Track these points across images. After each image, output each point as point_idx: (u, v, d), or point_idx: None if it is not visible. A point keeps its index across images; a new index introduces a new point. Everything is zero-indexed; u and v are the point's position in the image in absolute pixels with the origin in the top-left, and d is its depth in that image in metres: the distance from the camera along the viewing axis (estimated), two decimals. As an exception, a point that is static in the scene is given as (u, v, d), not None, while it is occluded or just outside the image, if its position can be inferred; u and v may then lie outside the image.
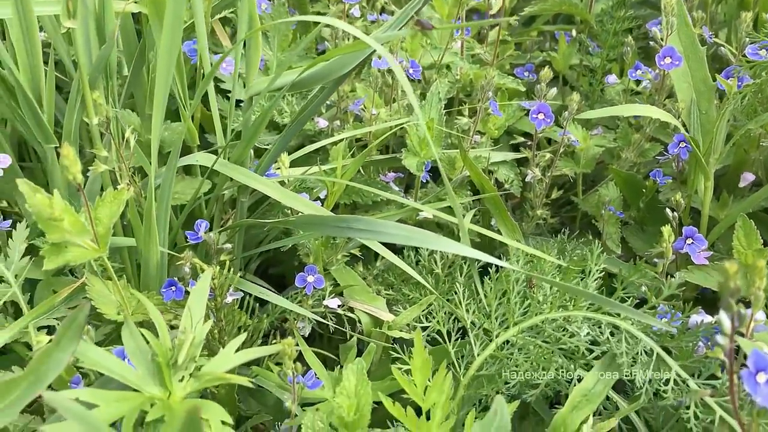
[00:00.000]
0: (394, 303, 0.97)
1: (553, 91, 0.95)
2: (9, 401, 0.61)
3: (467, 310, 0.81)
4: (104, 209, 0.74)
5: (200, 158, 0.84)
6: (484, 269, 0.92)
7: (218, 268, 0.76)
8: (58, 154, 0.89)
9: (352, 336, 0.94)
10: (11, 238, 0.87)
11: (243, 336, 0.69)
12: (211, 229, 0.89)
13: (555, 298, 0.77)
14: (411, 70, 1.00)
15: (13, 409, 0.61)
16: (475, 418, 0.67)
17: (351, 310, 0.95)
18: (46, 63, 0.85)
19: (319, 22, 0.90)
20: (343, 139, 0.99)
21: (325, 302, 0.92)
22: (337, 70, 0.78)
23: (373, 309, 0.95)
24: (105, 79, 0.84)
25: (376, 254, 1.02)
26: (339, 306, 0.93)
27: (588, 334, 0.74)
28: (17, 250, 0.87)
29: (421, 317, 0.92)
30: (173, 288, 0.79)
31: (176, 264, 0.79)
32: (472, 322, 0.80)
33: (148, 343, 0.67)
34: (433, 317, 0.91)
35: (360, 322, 0.94)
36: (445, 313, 0.91)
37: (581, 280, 0.79)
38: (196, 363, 0.67)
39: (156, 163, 0.75)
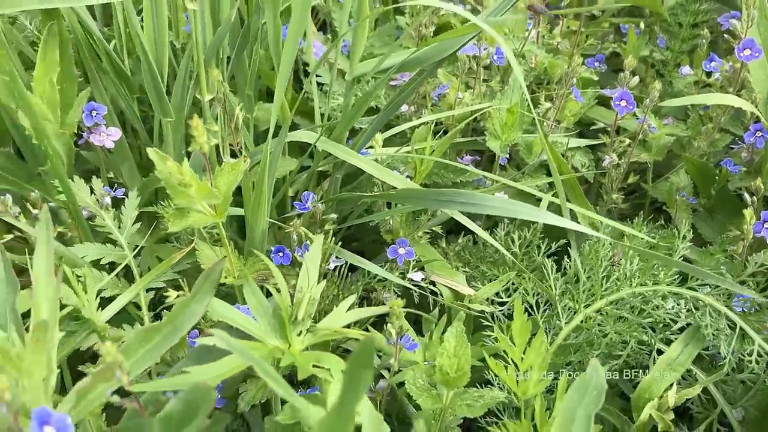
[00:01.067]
0: (471, 279, 1.02)
1: (635, 79, 0.99)
2: (150, 347, 0.67)
3: (552, 285, 0.86)
4: (223, 178, 0.80)
5: (303, 135, 0.90)
6: (559, 252, 0.97)
7: (322, 236, 0.81)
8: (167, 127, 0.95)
9: (433, 308, 0.99)
10: (123, 206, 0.94)
11: (354, 296, 0.75)
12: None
13: (642, 273, 0.81)
14: (495, 57, 1.04)
15: (153, 353, 0.67)
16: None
17: (432, 283, 1.00)
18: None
19: (398, 10, 0.95)
20: (426, 122, 1.04)
21: (409, 275, 0.98)
22: (437, 55, 0.83)
23: (453, 283, 1.00)
24: (216, 60, 0.90)
25: (458, 232, 1.07)
26: (422, 279, 0.98)
27: (673, 307, 0.78)
28: (129, 217, 0.93)
29: (501, 293, 0.97)
30: (281, 254, 0.85)
31: (285, 231, 0.84)
32: (561, 293, 0.85)
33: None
34: (509, 295, 0.96)
35: (441, 295, 0.99)
36: (524, 289, 0.97)
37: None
38: (311, 319, 0.73)
39: (270, 139, 0.81)
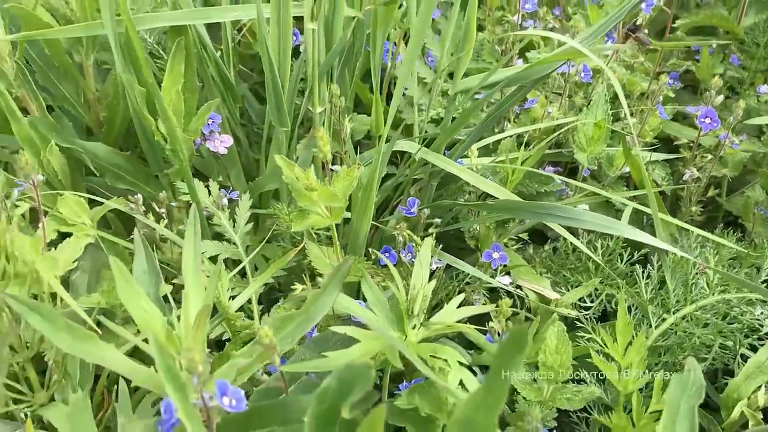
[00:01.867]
0: (554, 285, 1.08)
1: (720, 98, 1.04)
2: (284, 333, 0.74)
3: (642, 291, 0.91)
4: (340, 183, 0.87)
5: (405, 145, 0.97)
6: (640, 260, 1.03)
7: (431, 239, 0.88)
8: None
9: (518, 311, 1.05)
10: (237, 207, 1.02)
11: (462, 295, 0.82)
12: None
13: (727, 282, 0.86)
14: (582, 74, 1.10)
15: (288, 339, 0.74)
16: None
17: (518, 287, 1.06)
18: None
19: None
20: (513, 135, 1.10)
21: (498, 278, 1.04)
22: (538, 73, 0.90)
23: (539, 288, 1.05)
24: (327, 75, 0.98)
25: (543, 240, 1.13)
26: (510, 283, 1.04)
27: (761, 313, 0.83)
28: (242, 217, 1.01)
29: (584, 298, 1.02)
30: (387, 254, 0.92)
31: (392, 233, 0.91)
32: (650, 299, 0.90)
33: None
34: (592, 300, 1.02)
35: (527, 298, 1.05)
36: (606, 295, 1.02)
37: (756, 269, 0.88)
38: (424, 314, 0.80)
39: (383, 146, 0.88)
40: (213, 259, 1.00)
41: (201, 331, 0.67)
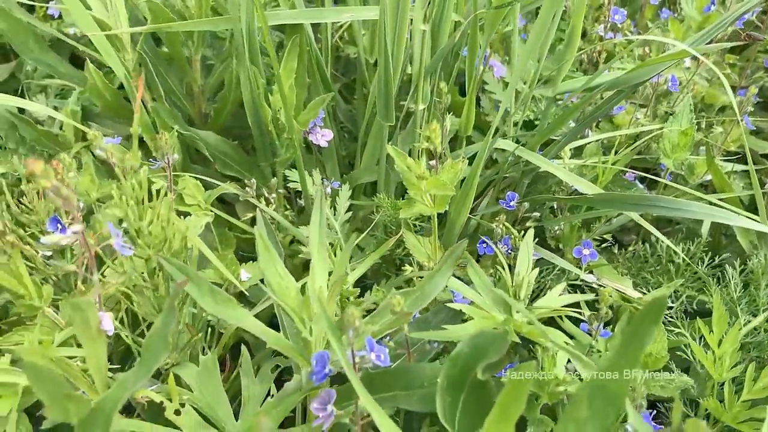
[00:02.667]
0: (634, 286, 1.12)
1: (807, 110, 1.07)
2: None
3: (733, 290, 0.95)
4: (446, 175, 0.92)
5: (502, 144, 1.02)
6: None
7: (532, 231, 0.93)
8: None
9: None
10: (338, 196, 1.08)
11: (564, 284, 0.86)
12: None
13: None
14: (670, 84, 1.15)
15: (405, 314, 0.79)
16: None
17: (601, 286, 1.10)
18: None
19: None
20: (598, 140, 1.15)
21: (582, 276, 1.08)
22: (636, 78, 0.94)
23: (622, 287, 1.10)
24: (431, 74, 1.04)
25: (620, 246, 1.17)
26: (593, 281, 1.09)
27: None
28: (342, 206, 1.07)
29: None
30: (484, 244, 0.97)
31: (493, 225, 0.96)
32: (738, 298, 0.94)
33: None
34: (673, 301, 1.06)
35: (611, 296, 1.09)
36: (686, 297, 1.06)
37: None
38: (528, 298, 0.85)
39: (487, 141, 0.93)
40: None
41: (334, 297, 0.73)
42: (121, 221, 0.80)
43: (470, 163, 0.96)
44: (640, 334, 0.56)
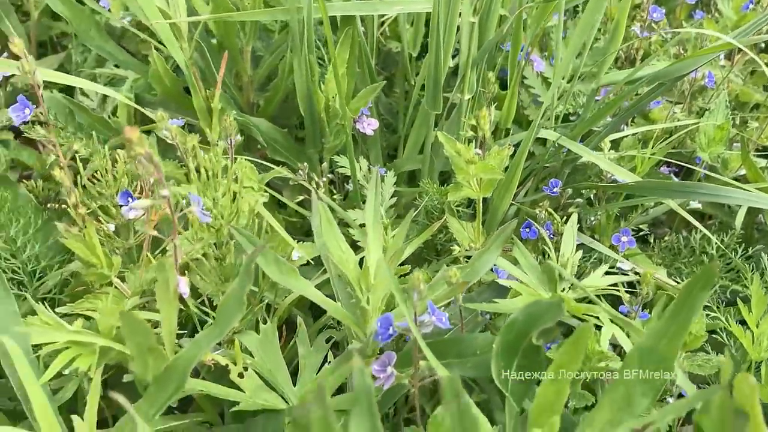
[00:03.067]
0: (668, 275, 1.15)
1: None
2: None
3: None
4: (493, 160, 0.97)
5: (545, 134, 1.06)
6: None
7: (576, 216, 0.96)
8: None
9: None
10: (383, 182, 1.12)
11: (606, 265, 0.90)
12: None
13: None
14: (707, 80, 1.18)
15: (457, 289, 0.84)
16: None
17: (636, 274, 1.14)
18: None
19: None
20: (635, 133, 1.19)
21: (618, 264, 1.12)
22: (677, 71, 0.98)
23: (657, 276, 1.13)
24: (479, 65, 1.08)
25: (655, 235, 1.21)
26: (629, 269, 1.12)
27: None
28: (387, 192, 1.12)
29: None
30: (527, 229, 1.01)
31: (533, 212, 1.00)
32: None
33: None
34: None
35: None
36: (719, 287, 1.09)
37: None
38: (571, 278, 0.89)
39: (533, 129, 0.97)
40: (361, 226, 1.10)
41: (393, 269, 0.77)
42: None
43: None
44: (691, 300, 0.60)
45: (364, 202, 1.13)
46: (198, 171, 0.84)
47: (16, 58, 0.79)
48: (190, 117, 1.19)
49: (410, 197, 1.20)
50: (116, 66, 1.42)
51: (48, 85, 1.48)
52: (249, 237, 0.78)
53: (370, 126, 1.18)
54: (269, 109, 1.26)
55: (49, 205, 1.11)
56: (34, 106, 0.84)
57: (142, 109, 1.09)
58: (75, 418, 0.68)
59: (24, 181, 1.12)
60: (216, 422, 0.90)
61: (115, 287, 0.89)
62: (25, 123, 0.86)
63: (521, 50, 1.13)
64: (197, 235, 0.79)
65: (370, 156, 1.24)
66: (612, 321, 0.90)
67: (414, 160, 1.19)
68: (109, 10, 1.43)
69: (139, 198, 0.88)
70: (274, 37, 1.33)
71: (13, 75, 1.36)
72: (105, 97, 1.46)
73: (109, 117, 1.36)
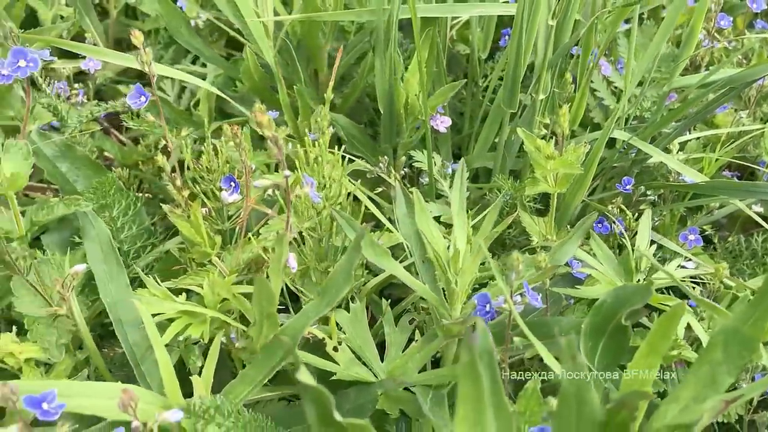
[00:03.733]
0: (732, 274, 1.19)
1: None
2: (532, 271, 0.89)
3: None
4: (571, 156, 1.01)
5: (617, 134, 1.11)
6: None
7: (650, 211, 1.01)
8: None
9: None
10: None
11: (680, 259, 0.94)
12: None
13: None
14: (773, 85, 1.22)
15: (537, 278, 0.88)
16: None
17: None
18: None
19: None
20: (699, 137, 1.22)
21: (682, 262, 1.16)
22: (750, 76, 1.02)
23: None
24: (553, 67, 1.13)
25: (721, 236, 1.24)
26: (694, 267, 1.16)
27: None
28: (461, 185, 1.17)
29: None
30: (600, 224, 1.05)
31: (603, 209, 1.05)
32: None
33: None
34: None
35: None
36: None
37: None
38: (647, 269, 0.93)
39: (609, 129, 1.02)
40: (436, 219, 1.16)
41: (482, 254, 0.83)
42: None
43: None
44: (778, 285, 0.64)
45: (437, 197, 1.19)
46: (294, 159, 0.91)
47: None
48: (271, 111, 1.26)
49: (477, 193, 1.25)
50: (191, 63, 1.51)
51: (121, 80, 1.58)
52: (348, 219, 0.84)
53: (443, 123, 1.23)
54: (345, 107, 1.32)
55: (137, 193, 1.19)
56: (150, 94, 0.90)
57: (233, 102, 1.15)
58: (194, 378, 0.74)
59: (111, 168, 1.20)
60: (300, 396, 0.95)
61: (213, 265, 0.96)
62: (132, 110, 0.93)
63: (591, 54, 1.17)
64: (303, 215, 0.85)
65: (441, 152, 1.29)
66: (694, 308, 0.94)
67: (484, 157, 1.24)
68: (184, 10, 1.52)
69: (241, 182, 0.94)
70: (350, 37, 1.39)
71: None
72: (181, 92, 1.55)
73: (189, 110, 1.44)
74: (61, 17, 1.62)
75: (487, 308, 0.74)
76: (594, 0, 1.15)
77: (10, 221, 0.86)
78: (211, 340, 0.84)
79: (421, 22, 1.16)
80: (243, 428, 0.68)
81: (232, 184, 0.94)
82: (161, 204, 1.39)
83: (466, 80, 1.16)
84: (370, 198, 1.06)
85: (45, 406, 0.61)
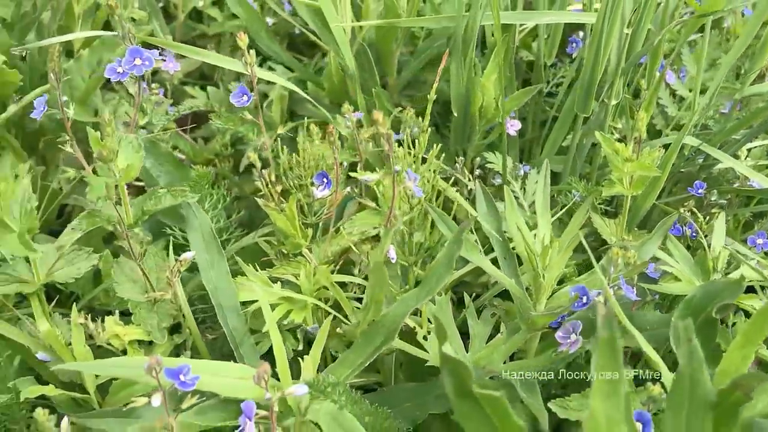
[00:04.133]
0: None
1: None
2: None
3: None
4: (647, 159, 1.05)
5: (688, 140, 1.14)
6: None
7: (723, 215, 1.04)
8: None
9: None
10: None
11: (753, 261, 0.97)
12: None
13: None
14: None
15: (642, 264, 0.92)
16: None
17: None
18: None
19: None
20: (762, 145, 1.25)
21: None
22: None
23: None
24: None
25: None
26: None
27: None
28: (533, 187, 1.21)
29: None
30: (672, 227, 1.09)
31: (672, 212, 1.08)
32: None
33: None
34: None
35: None
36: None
37: None
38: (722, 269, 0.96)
39: (683, 134, 1.05)
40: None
41: (570, 249, 0.87)
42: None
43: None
44: None
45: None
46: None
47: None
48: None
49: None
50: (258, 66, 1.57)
51: (186, 82, 1.64)
52: (441, 215, 0.88)
53: (513, 127, 1.27)
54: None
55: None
56: (252, 94, 0.96)
57: (317, 105, 1.21)
58: (306, 358, 0.79)
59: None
60: (387, 383, 1.00)
61: (302, 256, 1.01)
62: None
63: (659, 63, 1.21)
64: (400, 209, 0.89)
65: (510, 155, 1.33)
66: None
67: (552, 160, 1.28)
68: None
69: (333, 178, 0.99)
70: (418, 43, 1.44)
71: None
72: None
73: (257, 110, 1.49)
74: (133, 19, 1.69)
75: (584, 300, 0.78)
76: (664, 10, 1.18)
77: (120, 210, 0.91)
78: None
79: (497, 30, 1.21)
80: (353, 405, 0.73)
81: (325, 180, 0.99)
82: (236, 198, 1.44)
83: (540, 85, 1.20)
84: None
85: (182, 377, 0.66)
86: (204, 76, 1.77)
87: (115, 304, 1.17)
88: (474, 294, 1.09)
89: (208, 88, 1.49)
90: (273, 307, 0.89)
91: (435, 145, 0.98)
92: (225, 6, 1.78)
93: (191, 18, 1.87)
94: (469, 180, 1.20)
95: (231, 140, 1.44)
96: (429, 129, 1.31)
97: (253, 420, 0.65)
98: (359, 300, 0.99)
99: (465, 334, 0.96)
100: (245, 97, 0.96)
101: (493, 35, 1.22)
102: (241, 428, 0.66)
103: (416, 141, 0.94)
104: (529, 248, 0.86)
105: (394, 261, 0.83)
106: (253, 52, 0.95)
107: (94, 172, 0.91)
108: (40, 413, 0.76)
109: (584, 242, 0.80)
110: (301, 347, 0.91)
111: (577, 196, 1.17)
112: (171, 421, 0.66)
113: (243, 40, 0.93)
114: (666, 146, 1.12)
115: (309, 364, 0.78)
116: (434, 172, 0.94)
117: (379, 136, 1.23)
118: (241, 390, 0.75)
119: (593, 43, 1.06)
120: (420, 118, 1.11)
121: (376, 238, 1.00)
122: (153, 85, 1.47)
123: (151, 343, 0.97)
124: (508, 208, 0.90)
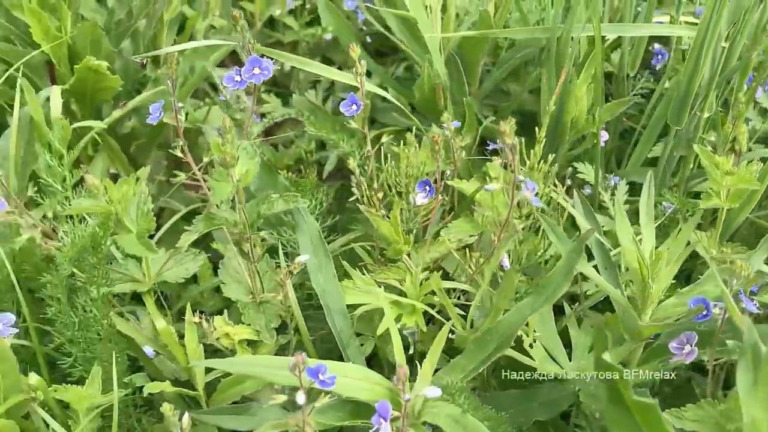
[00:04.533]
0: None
1: None
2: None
3: None
4: (748, 171, 1.05)
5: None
6: None
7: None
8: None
9: None
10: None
11: None
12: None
13: None
14: None
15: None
16: None
17: None
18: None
19: None
20: None
21: None
22: None
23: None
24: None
25: None
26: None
27: None
28: (622, 196, 1.22)
29: None
30: None
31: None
32: None
33: None
34: None
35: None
36: None
37: None
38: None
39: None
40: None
41: (678, 263, 0.87)
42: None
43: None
44: None
45: (599, 207, 1.24)
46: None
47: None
48: (435, 121, 1.33)
49: (632, 207, 1.29)
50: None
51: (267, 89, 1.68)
52: (551, 224, 0.90)
53: (602, 138, 1.28)
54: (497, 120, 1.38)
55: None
56: (362, 103, 0.98)
57: (409, 114, 1.23)
58: (425, 362, 0.81)
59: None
60: (483, 388, 1.01)
61: (403, 262, 1.03)
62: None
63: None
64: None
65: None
66: None
67: (639, 171, 1.29)
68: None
69: (435, 186, 1.01)
70: (501, 53, 1.45)
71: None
72: (324, 101, 1.64)
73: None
74: (213, 27, 1.74)
75: (705, 312, 0.79)
76: (758, 24, 1.18)
77: (235, 214, 0.94)
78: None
79: (584, 41, 1.22)
80: (474, 410, 0.74)
81: (427, 187, 1.01)
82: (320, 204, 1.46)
83: (633, 97, 1.20)
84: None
85: (321, 376, 0.68)
86: (276, 83, 1.81)
87: (211, 304, 1.21)
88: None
89: (294, 96, 1.52)
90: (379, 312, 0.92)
91: (544, 157, 0.99)
92: (299, 15, 1.83)
93: (266, 26, 1.92)
94: (574, 190, 1.21)
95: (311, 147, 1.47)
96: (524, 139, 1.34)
97: (388, 420, 0.67)
98: (458, 306, 1.01)
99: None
100: (354, 107, 0.98)
101: (579, 45, 1.23)
102: (375, 428, 0.68)
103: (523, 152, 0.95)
104: (642, 260, 0.87)
105: (507, 269, 0.85)
106: (364, 62, 0.97)
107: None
108: (167, 408, 0.79)
109: (680, 256, 0.81)
110: (411, 351, 0.93)
111: (669, 208, 1.17)
112: (308, 420, 0.68)
113: (355, 52, 0.96)
114: (763, 159, 1.12)
115: (427, 368, 0.79)
116: (544, 183, 0.96)
117: (468, 146, 1.26)
118: (362, 391, 0.77)
119: (691, 56, 1.07)
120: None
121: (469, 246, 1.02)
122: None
123: (255, 342, 1.00)
124: (618, 219, 0.91)
